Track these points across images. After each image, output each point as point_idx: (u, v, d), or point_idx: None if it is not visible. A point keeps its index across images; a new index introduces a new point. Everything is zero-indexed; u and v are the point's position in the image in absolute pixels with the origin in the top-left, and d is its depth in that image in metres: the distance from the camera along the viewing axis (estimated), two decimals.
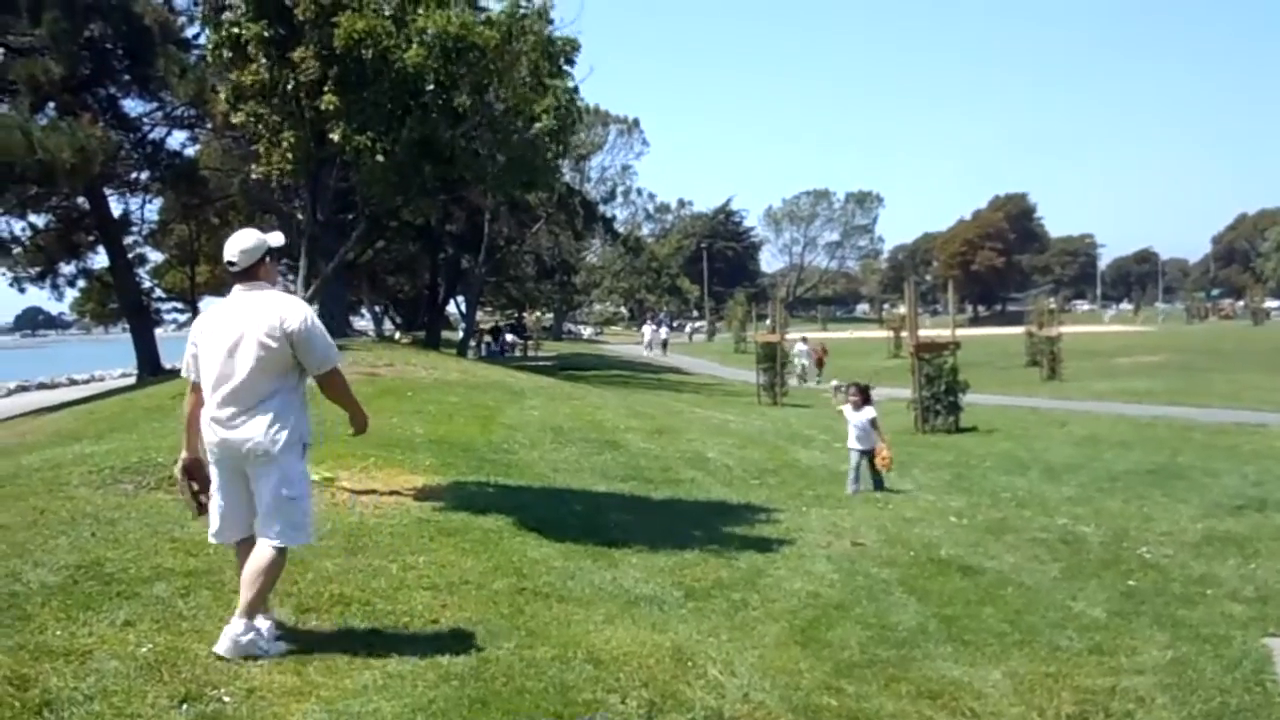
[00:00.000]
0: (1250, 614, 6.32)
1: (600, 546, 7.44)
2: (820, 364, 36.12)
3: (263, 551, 4.72)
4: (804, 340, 36.97)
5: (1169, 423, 18.35)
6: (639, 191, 73.42)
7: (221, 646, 4.58)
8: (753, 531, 8.57)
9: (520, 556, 6.90)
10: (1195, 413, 19.89)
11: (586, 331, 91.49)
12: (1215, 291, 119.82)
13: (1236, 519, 9.39)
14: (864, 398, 11.37)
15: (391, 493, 8.50)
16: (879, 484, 11.02)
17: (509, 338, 53.92)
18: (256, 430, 4.69)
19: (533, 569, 6.61)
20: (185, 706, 4.03)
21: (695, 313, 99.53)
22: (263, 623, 4.76)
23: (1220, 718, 4.60)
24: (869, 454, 11.01)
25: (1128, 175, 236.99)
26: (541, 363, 43.90)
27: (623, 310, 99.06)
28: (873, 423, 11.06)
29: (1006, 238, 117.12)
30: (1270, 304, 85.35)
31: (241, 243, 4.90)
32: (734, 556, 7.48)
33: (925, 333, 20.33)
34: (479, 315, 53.08)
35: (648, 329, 66.49)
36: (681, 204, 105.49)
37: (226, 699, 4.15)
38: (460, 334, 45.38)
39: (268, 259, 4.93)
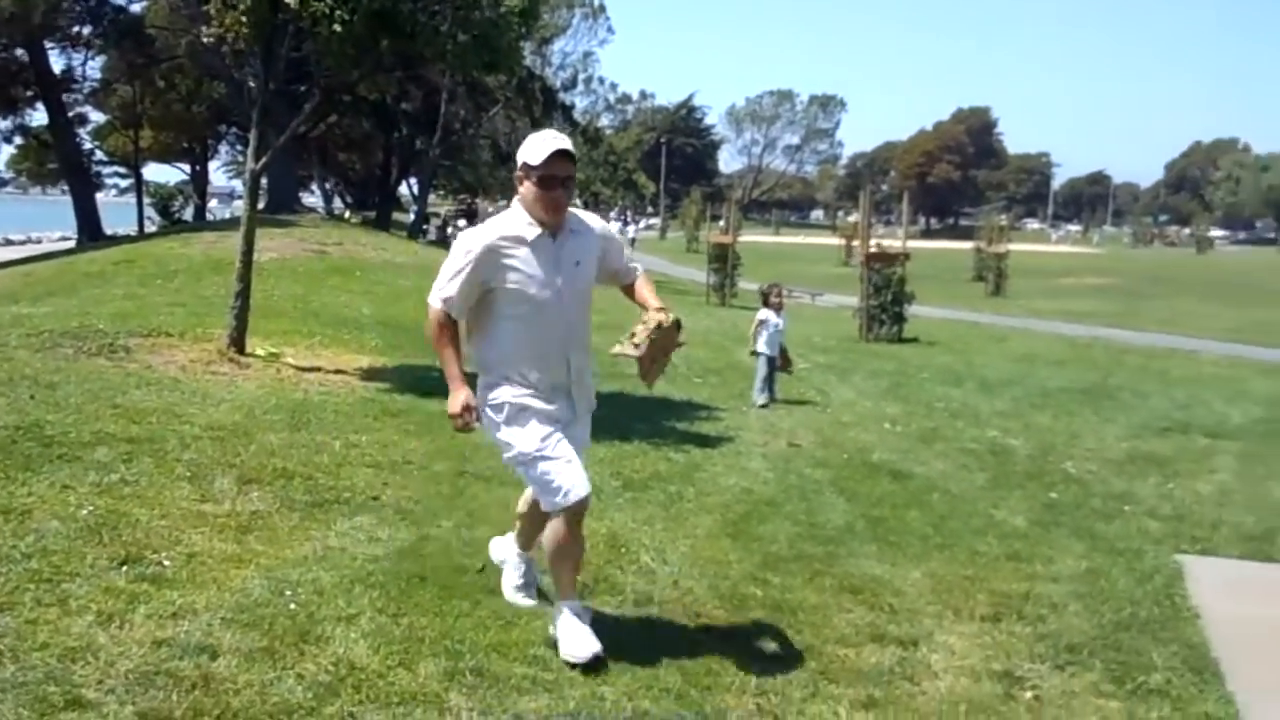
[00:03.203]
0: (1165, 531, 6.56)
1: None
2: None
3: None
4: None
5: (1105, 344, 18.77)
6: (600, 80, 71.78)
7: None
8: (692, 428, 8.72)
9: (463, 440, 6.97)
10: (1132, 336, 20.38)
11: None
12: (1163, 218, 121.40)
13: (1161, 440, 9.68)
14: (765, 300, 11.02)
15: (337, 371, 8.51)
16: (772, 393, 10.60)
17: (461, 223, 53.17)
18: None
19: (474, 453, 6.70)
20: (125, 568, 4.08)
21: (650, 209, 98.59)
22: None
23: (1129, 628, 4.80)
24: (774, 360, 10.68)
25: (1090, 96, 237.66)
26: None
27: (576, 203, 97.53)
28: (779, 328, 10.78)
29: (965, 151, 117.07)
30: (1215, 233, 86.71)
31: None
32: (672, 451, 7.63)
33: (877, 243, 20.38)
34: (430, 199, 52.18)
35: (614, 226, 64.64)
36: (643, 96, 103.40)
37: (166, 563, 4.21)
38: (411, 217, 44.69)
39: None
